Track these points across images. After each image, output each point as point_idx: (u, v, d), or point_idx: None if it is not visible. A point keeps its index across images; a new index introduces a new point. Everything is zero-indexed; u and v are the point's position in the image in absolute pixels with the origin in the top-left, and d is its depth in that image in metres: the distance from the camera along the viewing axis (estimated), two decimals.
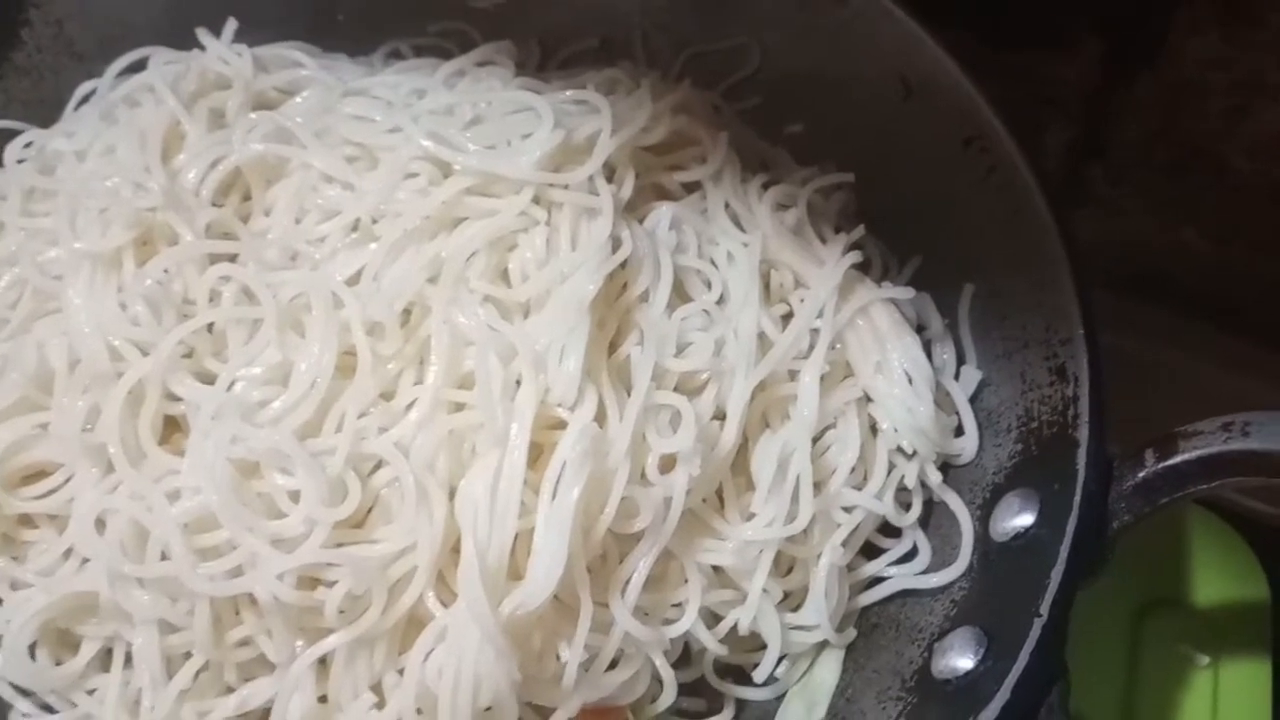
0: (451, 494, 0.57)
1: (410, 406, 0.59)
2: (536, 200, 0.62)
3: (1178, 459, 0.55)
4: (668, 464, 0.59)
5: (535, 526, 0.56)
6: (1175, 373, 0.88)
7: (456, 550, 0.57)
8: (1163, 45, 0.85)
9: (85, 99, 0.73)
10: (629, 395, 0.59)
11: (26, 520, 0.61)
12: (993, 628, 0.57)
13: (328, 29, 0.77)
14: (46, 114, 0.73)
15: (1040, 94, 0.91)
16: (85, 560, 0.58)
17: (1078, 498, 0.56)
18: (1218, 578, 0.72)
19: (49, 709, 0.60)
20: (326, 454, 0.57)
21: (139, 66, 0.72)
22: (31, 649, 0.59)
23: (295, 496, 0.56)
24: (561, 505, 0.56)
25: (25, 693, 0.60)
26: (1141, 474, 0.56)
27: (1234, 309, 0.91)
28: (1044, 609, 0.54)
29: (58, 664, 0.60)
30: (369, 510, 0.58)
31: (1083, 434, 0.58)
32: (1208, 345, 0.90)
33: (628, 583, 0.58)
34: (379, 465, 0.58)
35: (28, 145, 0.69)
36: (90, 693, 0.60)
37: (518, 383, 0.58)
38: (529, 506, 0.56)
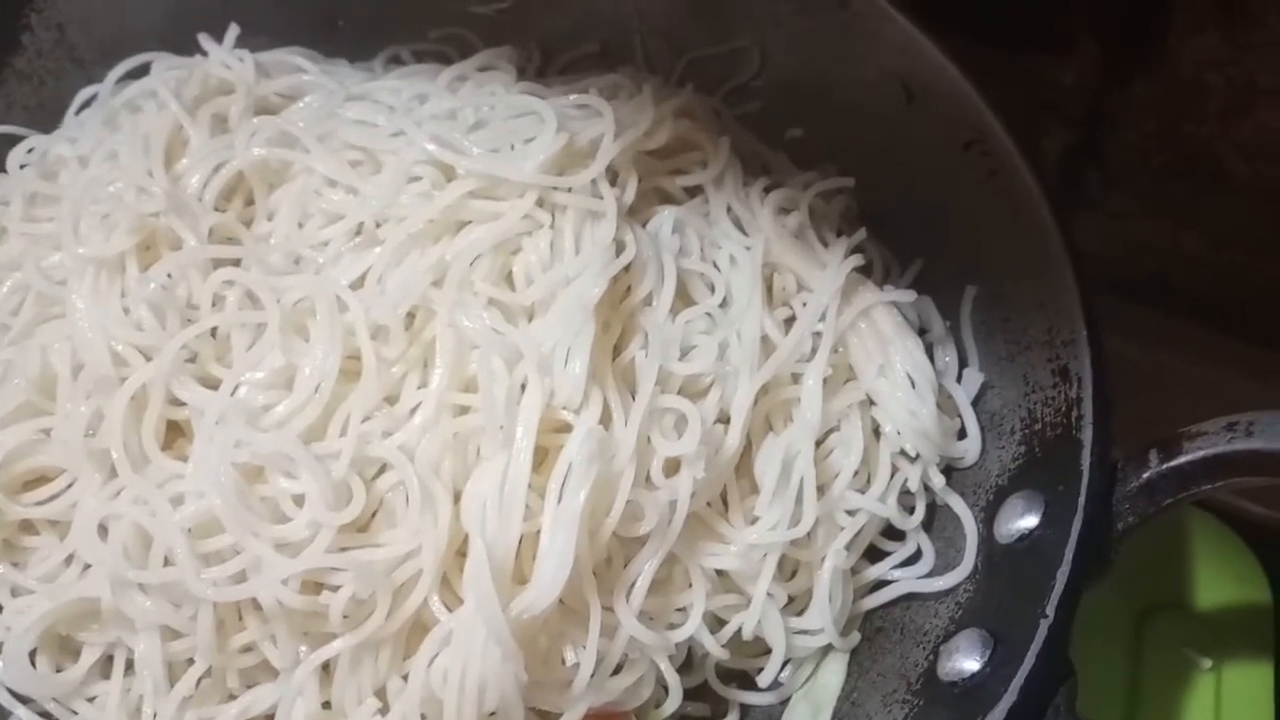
0: (456, 498, 0.57)
1: (415, 410, 0.59)
2: (540, 204, 0.62)
3: (1182, 459, 0.55)
4: (672, 467, 0.59)
5: (541, 529, 0.56)
6: (1174, 375, 0.88)
7: (461, 554, 0.57)
8: (1161, 48, 0.85)
9: (86, 104, 0.73)
10: (633, 398, 0.59)
11: (28, 526, 0.61)
12: (999, 630, 0.57)
13: (328, 35, 0.77)
14: (47, 119, 0.73)
15: (1038, 97, 0.91)
16: (87, 566, 0.58)
17: (1082, 499, 0.56)
18: (1219, 581, 0.72)
19: (48, 716, 0.60)
20: (331, 458, 0.57)
21: (139, 72, 0.72)
22: (32, 656, 0.58)
23: (299, 500, 0.56)
24: (568, 508, 0.55)
25: (24, 700, 0.60)
26: (1146, 475, 0.56)
27: (1233, 311, 0.91)
28: (1050, 610, 0.54)
29: (58, 671, 0.59)
30: (373, 514, 0.58)
31: (1087, 435, 0.58)
32: (1206, 347, 0.90)
33: (632, 586, 0.58)
34: (383, 469, 0.58)
35: (30, 151, 0.69)
36: (91, 700, 0.60)
37: (522, 386, 0.58)
38: (534, 510, 0.56)
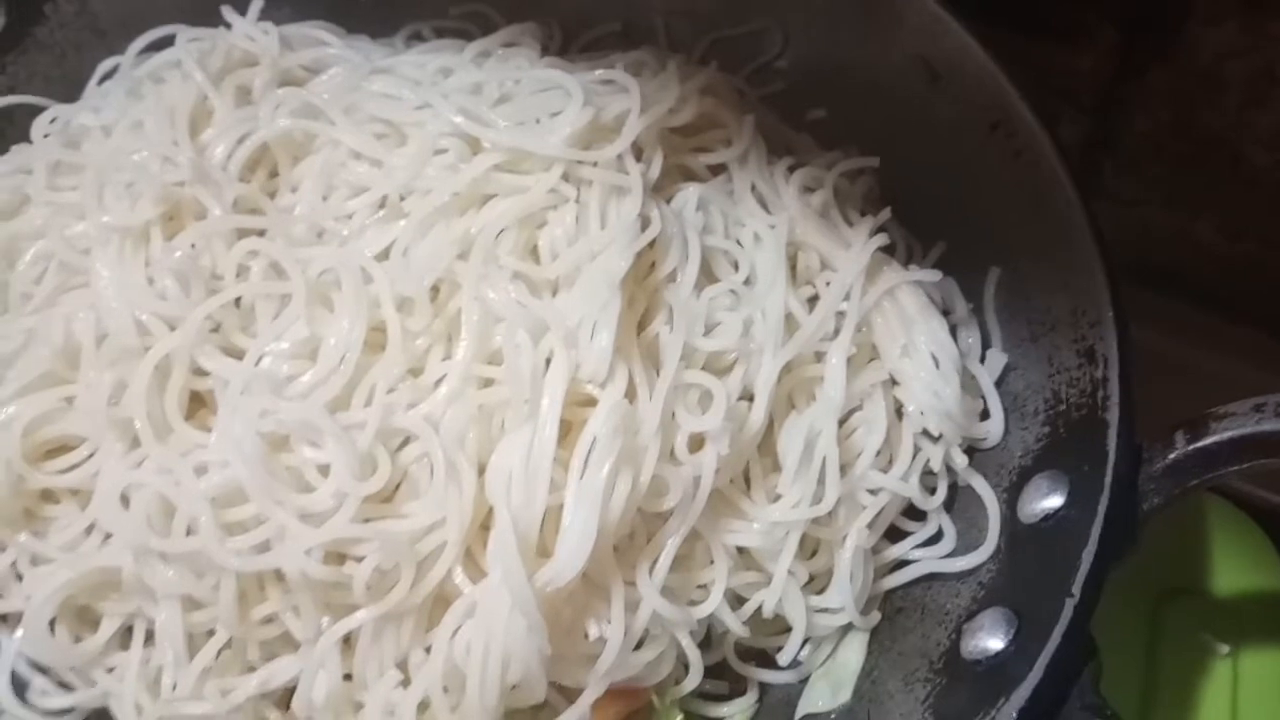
0: (480, 470, 0.57)
1: (440, 382, 0.59)
2: (566, 178, 0.62)
3: (1209, 440, 0.55)
4: (696, 443, 0.59)
5: (564, 503, 0.56)
6: (1188, 365, 0.88)
7: (485, 527, 0.57)
8: (1179, 35, 0.85)
9: (107, 76, 0.73)
10: (658, 374, 0.59)
11: (49, 495, 0.60)
12: (1023, 608, 0.57)
13: (349, 10, 0.76)
14: (68, 90, 0.73)
15: (1054, 84, 0.91)
16: (108, 535, 0.58)
17: (1109, 479, 0.56)
18: (1236, 567, 0.72)
19: (67, 686, 0.60)
20: (356, 428, 0.56)
21: (161, 44, 0.71)
22: (51, 625, 0.58)
23: (324, 471, 0.56)
24: (591, 481, 0.55)
25: (43, 669, 0.60)
26: (1172, 455, 0.56)
27: (1247, 301, 0.91)
28: (1076, 589, 0.54)
29: (77, 640, 0.59)
30: (397, 486, 0.58)
31: (1113, 415, 0.58)
32: (1220, 337, 0.90)
33: (655, 562, 0.58)
34: (407, 441, 0.58)
35: (53, 121, 0.69)
36: (110, 670, 0.59)
37: (547, 360, 0.58)
38: (558, 483, 0.56)
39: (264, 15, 0.72)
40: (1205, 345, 0.89)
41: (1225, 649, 0.69)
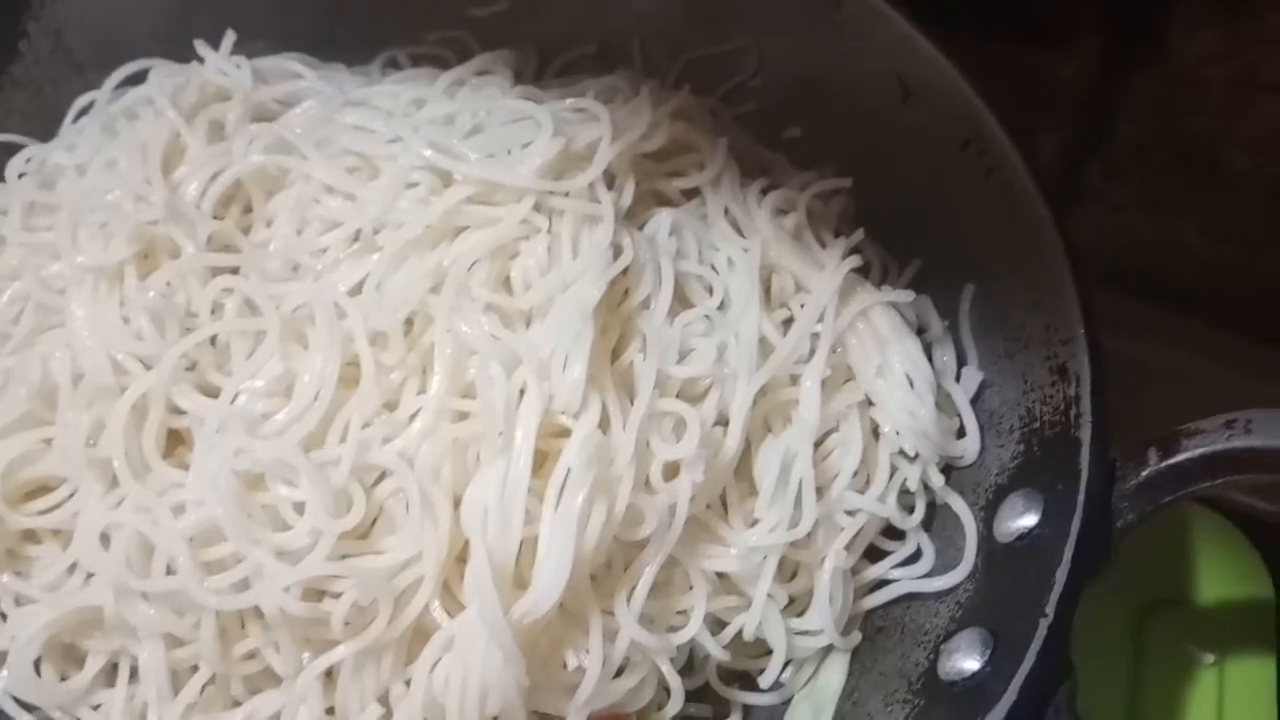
0: (456, 503, 0.57)
1: (414, 416, 0.59)
2: (537, 208, 0.62)
3: (1181, 457, 0.56)
4: (671, 470, 0.59)
5: (540, 534, 0.56)
6: (1172, 371, 0.88)
7: (461, 560, 0.57)
8: (1162, 41, 0.85)
9: (84, 111, 0.73)
10: (632, 402, 0.60)
11: (30, 535, 0.61)
12: (999, 628, 0.57)
13: (326, 38, 0.77)
14: (46, 126, 0.73)
15: (1037, 90, 0.91)
16: (90, 575, 0.58)
17: (1081, 497, 0.56)
18: (1221, 577, 0.72)
19: None
20: (331, 465, 0.57)
21: (138, 78, 0.72)
22: (36, 665, 0.59)
23: (300, 508, 0.56)
24: (566, 512, 0.56)
25: (30, 708, 0.60)
26: (1145, 473, 0.56)
27: (1231, 307, 0.91)
28: (1050, 609, 0.54)
29: (63, 679, 0.59)
30: (373, 521, 0.58)
31: (1085, 434, 0.58)
32: (1205, 343, 0.90)
33: (633, 590, 0.58)
34: (383, 476, 0.58)
35: (28, 160, 0.69)
36: (96, 708, 0.60)
37: (521, 391, 0.58)
38: (533, 514, 0.56)
39: (241, 47, 0.71)
40: (1188, 349, 0.89)
41: (1210, 658, 0.69)
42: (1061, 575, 0.55)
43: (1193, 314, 0.91)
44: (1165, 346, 0.88)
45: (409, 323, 0.60)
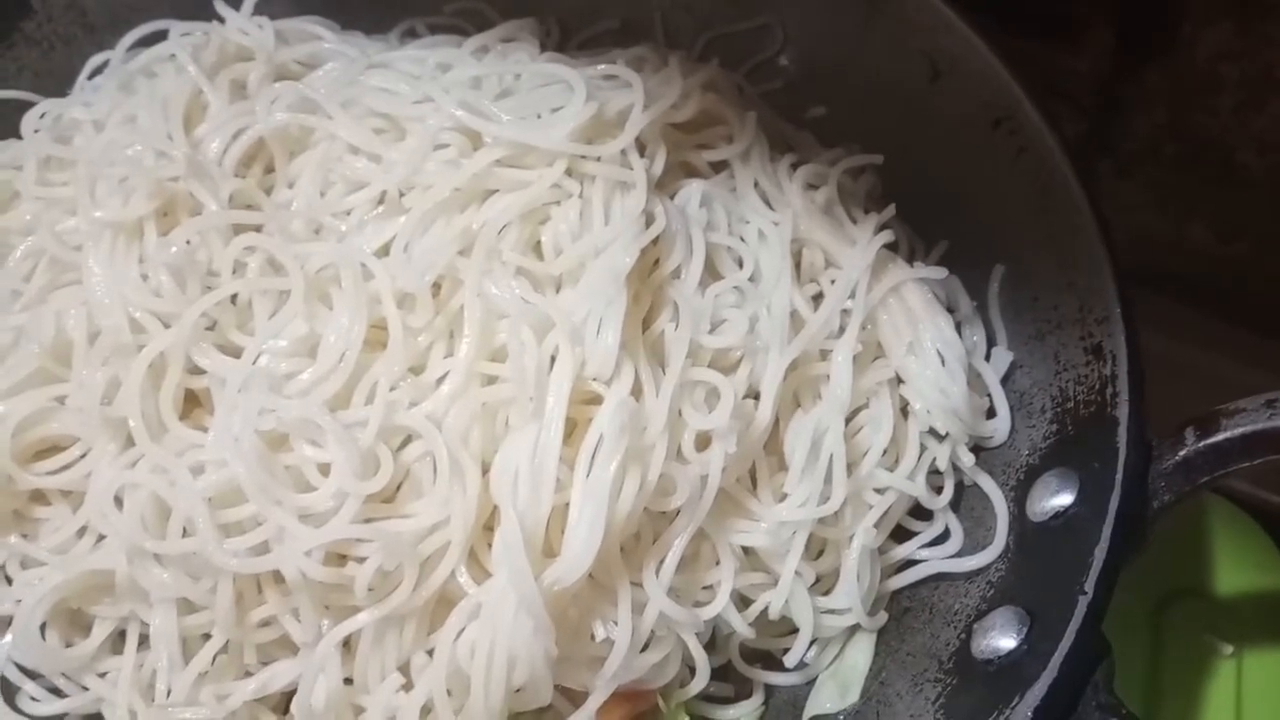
0: (484, 469, 0.56)
1: (442, 380, 0.58)
2: (569, 173, 0.61)
3: (1220, 436, 0.55)
4: (703, 441, 0.58)
5: (571, 502, 0.55)
6: (1180, 365, 0.87)
7: (488, 527, 0.56)
8: (1175, 37, 0.85)
9: (97, 71, 0.71)
10: (664, 371, 0.58)
11: (39, 496, 0.59)
12: (1035, 607, 0.56)
13: (343, 6, 0.75)
14: (56, 85, 0.72)
15: (1049, 84, 0.90)
16: (101, 537, 0.57)
17: (1120, 475, 0.55)
18: (1239, 568, 0.72)
19: (58, 692, 0.59)
20: (358, 426, 0.55)
21: (151, 40, 0.71)
22: (42, 629, 0.57)
23: (325, 470, 0.55)
24: (598, 479, 0.54)
25: (33, 675, 0.58)
26: (1182, 452, 0.56)
27: (1242, 302, 0.91)
28: (1089, 586, 0.53)
29: (68, 645, 0.58)
30: (399, 485, 0.57)
31: (1123, 412, 0.57)
32: (1214, 338, 0.90)
33: (662, 562, 0.57)
34: (409, 439, 0.57)
35: (43, 116, 0.67)
36: (102, 675, 0.58)
37: (553, 357, 0.57)
38: (564, 482, 0.55)
39: (258, 10, 0.70)
40: (1198, 346, 0.89)
41: (1229, 649, 0.69)
42: (1100, 554, 0.54)
43: (1203, 309, 0.91)
44: (1175, 342, 0.88)
45: (437, 285, 0.59)
